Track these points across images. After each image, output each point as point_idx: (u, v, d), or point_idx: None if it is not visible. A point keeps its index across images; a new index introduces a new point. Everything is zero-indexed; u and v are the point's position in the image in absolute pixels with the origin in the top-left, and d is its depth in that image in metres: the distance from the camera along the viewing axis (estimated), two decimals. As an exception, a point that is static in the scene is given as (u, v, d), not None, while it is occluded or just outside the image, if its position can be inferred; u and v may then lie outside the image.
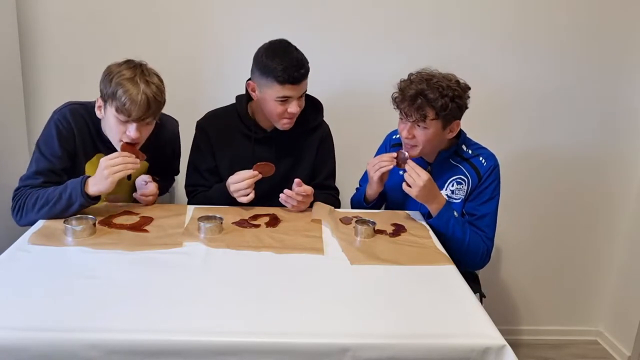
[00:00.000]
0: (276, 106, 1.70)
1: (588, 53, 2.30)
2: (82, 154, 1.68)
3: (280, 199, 1.71)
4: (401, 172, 1.70)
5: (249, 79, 1.77)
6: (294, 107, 1.70)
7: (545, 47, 2.28)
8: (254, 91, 1.74)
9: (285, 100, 1.68)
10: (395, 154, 1.70)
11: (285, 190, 1.69)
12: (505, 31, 2.25)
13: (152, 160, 1.77)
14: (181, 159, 1.97)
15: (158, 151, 1.79)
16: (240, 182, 1.66)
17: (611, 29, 2.28)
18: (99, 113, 1.62)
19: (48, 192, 1.56)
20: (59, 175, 1.64)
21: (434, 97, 1.59)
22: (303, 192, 1.69)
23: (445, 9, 2.21)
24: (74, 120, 1.64)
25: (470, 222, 1.73)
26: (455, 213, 1.68)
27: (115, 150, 1.63)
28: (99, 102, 1.61)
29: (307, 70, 1.69)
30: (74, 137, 1.65)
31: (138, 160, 1.57)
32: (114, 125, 1.58)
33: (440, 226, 1.65)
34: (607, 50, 2.31)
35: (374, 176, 1.72)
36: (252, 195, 1.67)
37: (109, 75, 1.56)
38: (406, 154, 1.69)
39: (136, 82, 1.52)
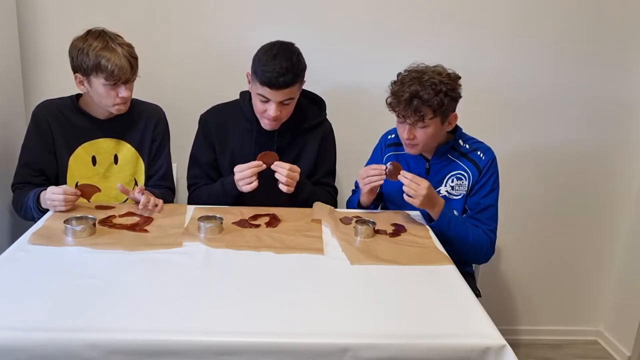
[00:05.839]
0: (257, 102, 1.74)
1: (588, 51, 2.30)
2: (64, 146, 1.77)
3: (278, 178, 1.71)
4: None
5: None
6: (272, 110, 1.71)
7: (545, 46, 2.28)
8: (249, 83, 1.78)
9: (266, 100, 1.70)
10: (384, 167, 1.66)
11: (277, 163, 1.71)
12: (505, 30, 2.25)
13: (129, 139, 1.83)
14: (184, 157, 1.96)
15: (135, 127, 1.84)
16: (245, 171, 1.68)
17: (612, 26, 2.28)
18: (82, 88, 1.70)
19: (23, 198, 1.69)
20: (40, 169, 1.76)
21: (429, 97, 1.58)
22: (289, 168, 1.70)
23: (445, 8, 2.21)
24: (49, 112, 1.76)
25: (472, 216, 1.73)
26: (455, 212, 1.68)
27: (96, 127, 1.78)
28: (79, 78, 1.68)
29: (292, 79, 1.66)
30: (50, 129, 1.76)
31: (75, 198, 1.61)
32: (104, 92, 1.66)
33: (443, 228, 1.64)
34: (607, 48, 2.30)
35: (364, 189, 1.72)
36: (255, 184, 1.69)
37: (81, 50, 1.63)
38: (390, 166, 1.65)
39: (111, 48, 1.62)
